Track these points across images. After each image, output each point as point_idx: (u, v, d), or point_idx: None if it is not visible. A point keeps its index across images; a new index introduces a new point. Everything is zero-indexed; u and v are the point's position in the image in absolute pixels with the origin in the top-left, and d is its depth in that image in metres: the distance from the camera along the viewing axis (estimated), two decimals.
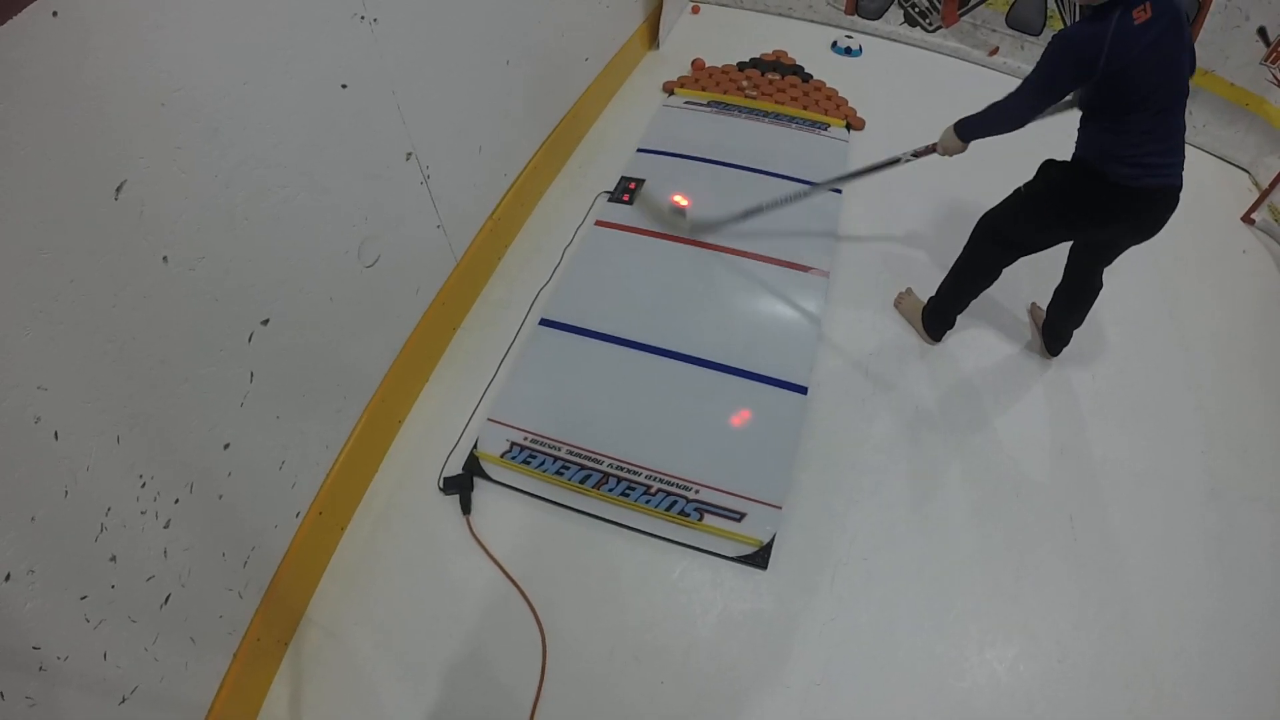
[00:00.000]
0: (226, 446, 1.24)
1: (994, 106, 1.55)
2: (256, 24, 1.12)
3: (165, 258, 1.05)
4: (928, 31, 3.01)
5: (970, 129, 1.61)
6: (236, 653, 1.32)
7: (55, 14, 0.83)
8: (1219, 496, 1.71)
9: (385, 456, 1.71)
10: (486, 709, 1.36)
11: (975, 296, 1.86)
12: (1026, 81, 1.46)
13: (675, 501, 1.58)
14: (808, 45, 3.01)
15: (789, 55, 2.93)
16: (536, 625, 1.44)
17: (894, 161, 1.80)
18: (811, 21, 3.17)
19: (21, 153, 0.82)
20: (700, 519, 1.56)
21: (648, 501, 1.58)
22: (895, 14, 3.02)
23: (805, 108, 2.67)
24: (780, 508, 1.58)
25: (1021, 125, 1.52)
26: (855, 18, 3.09)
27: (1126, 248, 1.65)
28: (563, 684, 1.38)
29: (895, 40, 3.08)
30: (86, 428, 0.96)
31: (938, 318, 1.93)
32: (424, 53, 1.57)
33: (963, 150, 1.65)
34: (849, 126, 2.64)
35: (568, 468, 1.63)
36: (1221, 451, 1.79)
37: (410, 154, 1.59)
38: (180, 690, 1.20)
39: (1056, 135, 1.63)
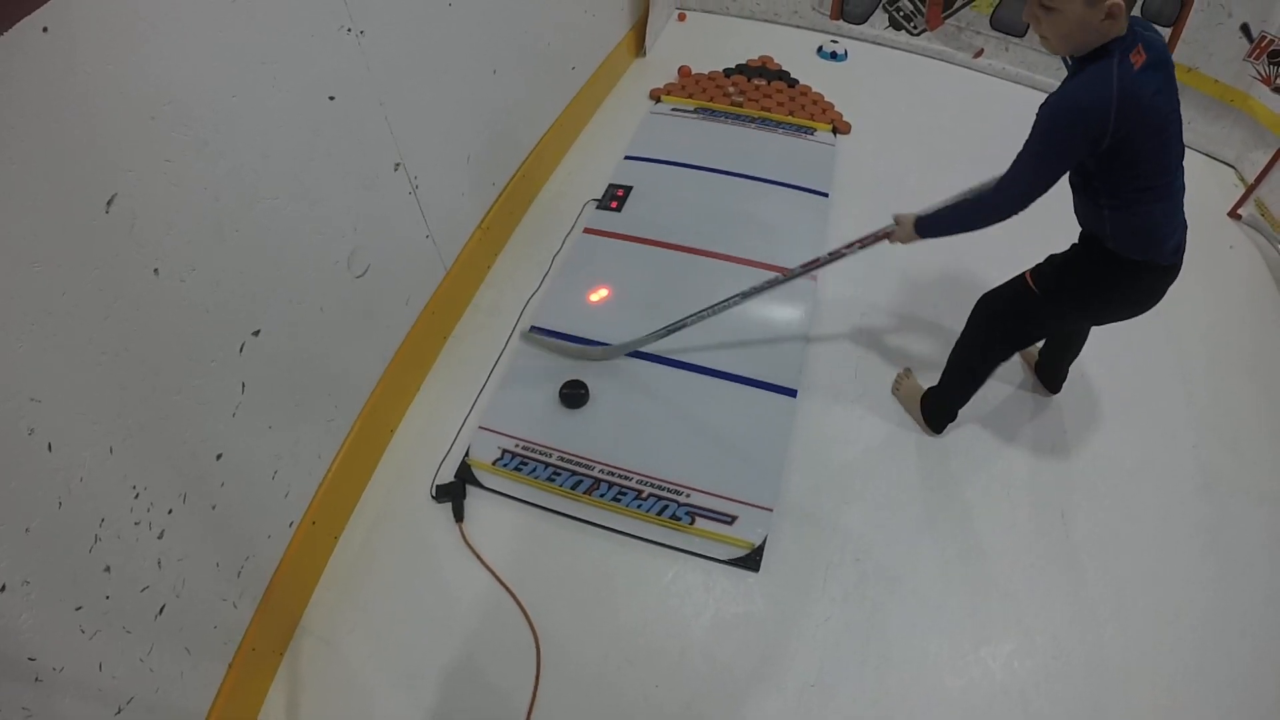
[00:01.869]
0: (219, 457, 1.25)
1: (976, 201, 1.34)
2: (244, 38, 1.13)
3: (156, 270, 1.06)
4: (912, 35, 3.04)
5: (933, 228, 1.43)
6: (232, 662, 1.32)
7: (45, 29, 0.84)
8: (1211, 489, 1.72)
9: (378, 465, 1.72)
10: (482, 714, 1.37)
11: (979, 388, 1.68)
12: (1020, 163, 1.22)
13: (666, 506, 1.59)
14: (793, 50, 3.04)
15: (775, 61, 2.96)
16: (530, 630, 1.45)
17: (837, 256, 1.63)
18: (797, 27, 3.21)
19: (12, 167, 0.83)
20: (692, 522, 1.57)
21: (639, 506, 1.59)
22: (880, 18, 3.06)
23: (791, 113, 2.70)
24: (771, 510, 1.59)
25: (1006, 219, 1.29)
26: (840, 22, 3.13)
27: None
28: (557, 688, 1.39)
29: (880, 44, 3.12)
30: (79, 439, 0.97)
31: (940, 412, 1.75)
32: (411, 64, 1.59)
33: (914, 241, 1.50)
34: (835, 130, 2.66)
35: (559, 474, 1.64)
36: (1212, 445, 1.81)
37: (399, 164, 1.60)
38: (176, 700, 1.20)
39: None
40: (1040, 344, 1.87)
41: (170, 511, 1.15)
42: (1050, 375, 1.85)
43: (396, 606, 1.50)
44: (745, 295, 1.72)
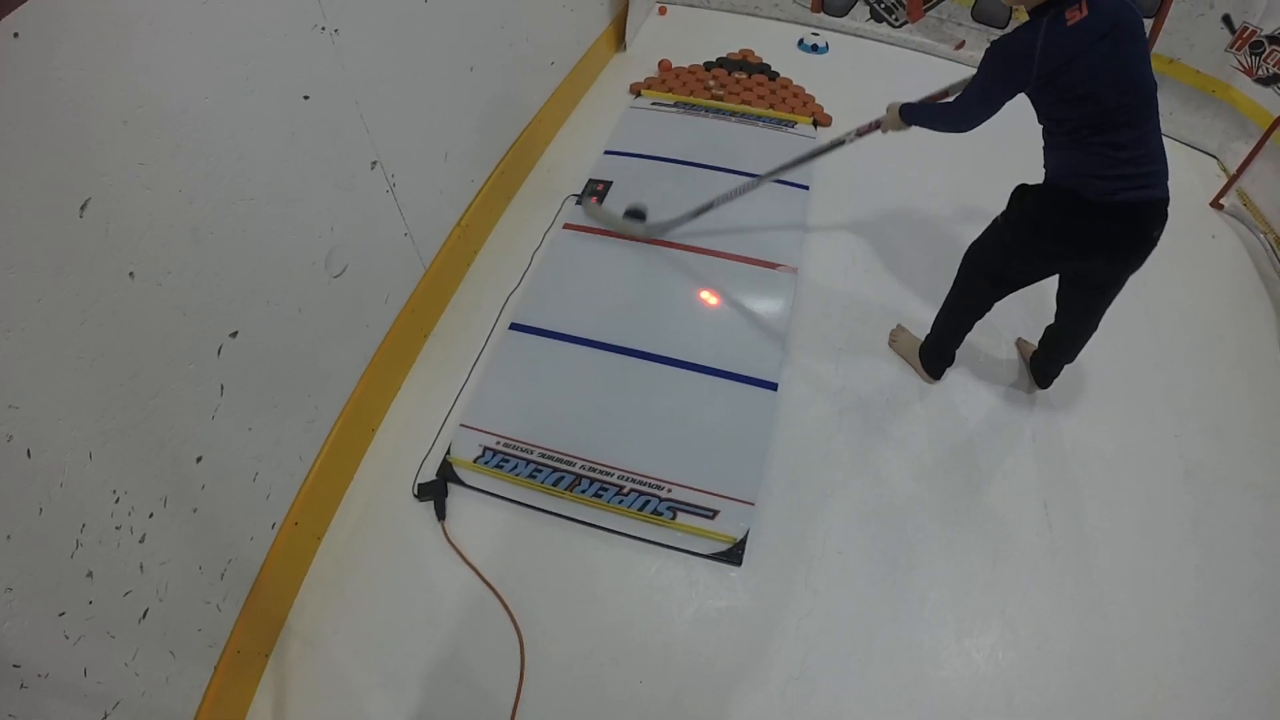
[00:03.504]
0: (199, 460, 1.24)
1: (940, 105, 1.58)
2: (216, 39, 1.12)
3: (132, 273, 1.05)
4: (894, 27, 3.06)
5: (914, 116, 1.65)
6: (217, 665, 1.32)
7: (16, 35, 0.83)
8: (1194, 478, 1.74)
9: (360, 465, 1.72)
10: (467, 713, 1.38)
11: (970, 329, 1.82)
12: (968, 89, 1.47)
13: (648, 501, 1.60)
14: (774, 43, 3.04)
15: (755, 54, 2.97)
16: (514, 628, 1.46)
17: (839, 143, 1.83)
18: (778, 20, 3.21)
19: None
20: (674, 518, 1.58)
21: (621, 502, 1.60)
22: (861, 10, 3.07)
23: (772, 106, 2.71)
24: (753, 504, 1.61)
25: (963, 131, 1.52)
26: (822, 15, 3.13)
27: (1121, 282, 1.57)
28: (542, 686, 1.40)
29: (861, 36, 3.13)
30: (59, 444, 0.97)
31: (936, 355, 1.89)
32: (386, 62, 1.58)
33: (903, 130, 1.69)
34: (816, 123, 2.68)
35: (540, 470, 1.65)
36: (1195, 434, 1.83)
37: (375, 163, 1.60)
38: (162, 704, 1.21)
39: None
40: (1038, 342, 1.89)
41: (151, 515, 1.15)
42: (1042, 370, 1.89)
43: (381, 606, 1.50)
44: (761, 178, 1.92)
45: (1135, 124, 1.35)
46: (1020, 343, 2.01)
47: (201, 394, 1.23)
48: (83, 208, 0.96)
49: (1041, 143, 1.47)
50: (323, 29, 1.35)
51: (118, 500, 1.08)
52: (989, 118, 1.45)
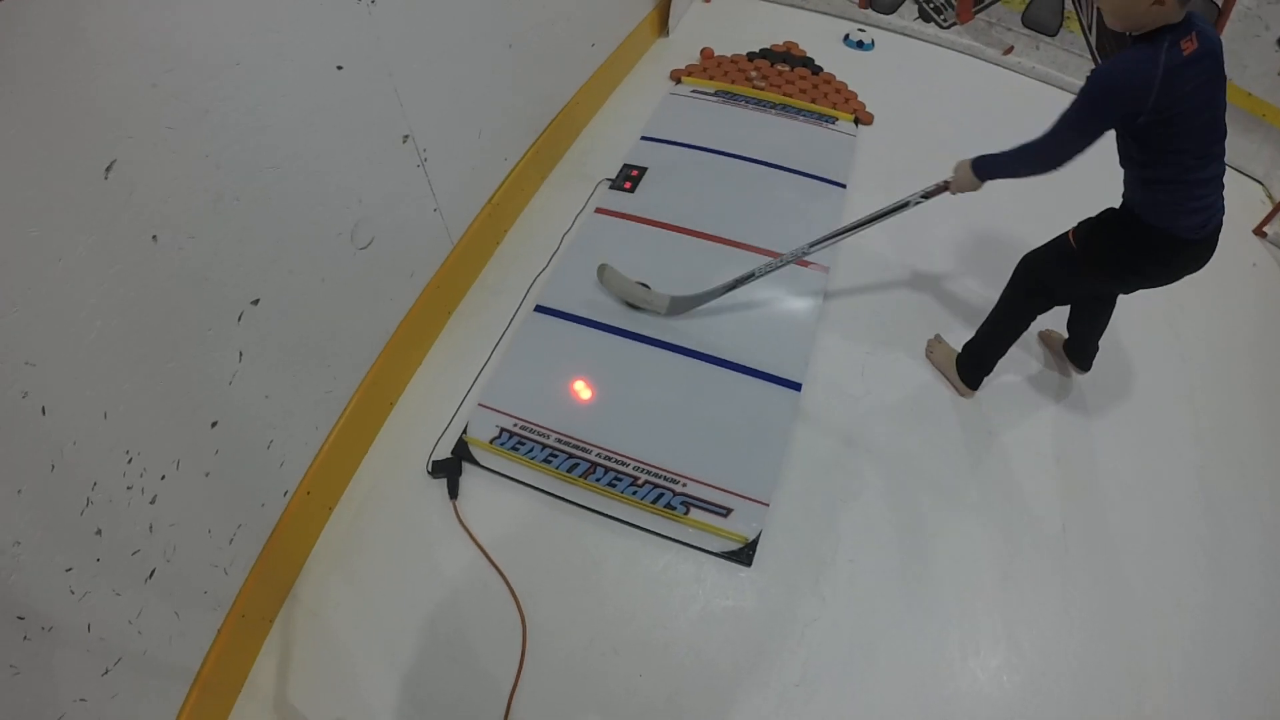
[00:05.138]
0: (214, 425, 1.24)
1: (1023, 147, 1.41)
2: (249, 5, 1.11)
3: (154, 237, 1.05)
4: (942, 28, 2.97)
5: (990, 169, 1.49)
6: (221, 628, 1.33)
7: None
8: (1213, 510, 1.69)
9: (376, 438, 1.72)
10: (464, 694, 1.38)
11: (1014, 342, 1.76)
12: (1063, 120, 1.32)
13: (662, 494, 1.58)
14: (819, 37, 2.97)
15: (799, 47, 2.90)
16: (518, 612, 1.45)
17: (901, 206, 1.67)
18: (825, 14, 3.14)
19: (12, 133, 0.82)
20: (686, 513, 1.56)
21: (634, 493, 1.58)
22: (910, 9, 2.98)
23: (814, 100, 2.65)
24: (768, 505, 1.58)
25: (1053, 169, 1.38)
26: (869, 11, 3.05)
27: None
28: (541, 672, 1.39)
29: (908, 35, 3.04)
30: (74, 403, 0.97)
31: (976, 366, 1.81)
32: (423, 35, 1.56)
33: (977, 189, 1.54)
34: (857, 121, 2.61)
35: (555, 455, 1.63)
36: (1218, 465, 1.78)
37: (407, 136, 1.58)
38: (164, 663, 1.21)
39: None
40: (1066, 328, 1.88)
41: (163, 477, 1.15)
42: (1080, 353, 1.86)
43: (387, 580, 1.51)
44: (801, 251, 1.77)
45: (1219, 155, 1.34)
46: (1045, 335, 1.97)
47: (220, 359, 1.23)
48: (107, 170, 0.95)
49: (1114, 160, 1.39)
50: (358, 0, 1.32)
51: (130, 461, 1.08)
52: (1076, 155, 1.33)
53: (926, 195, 1.63)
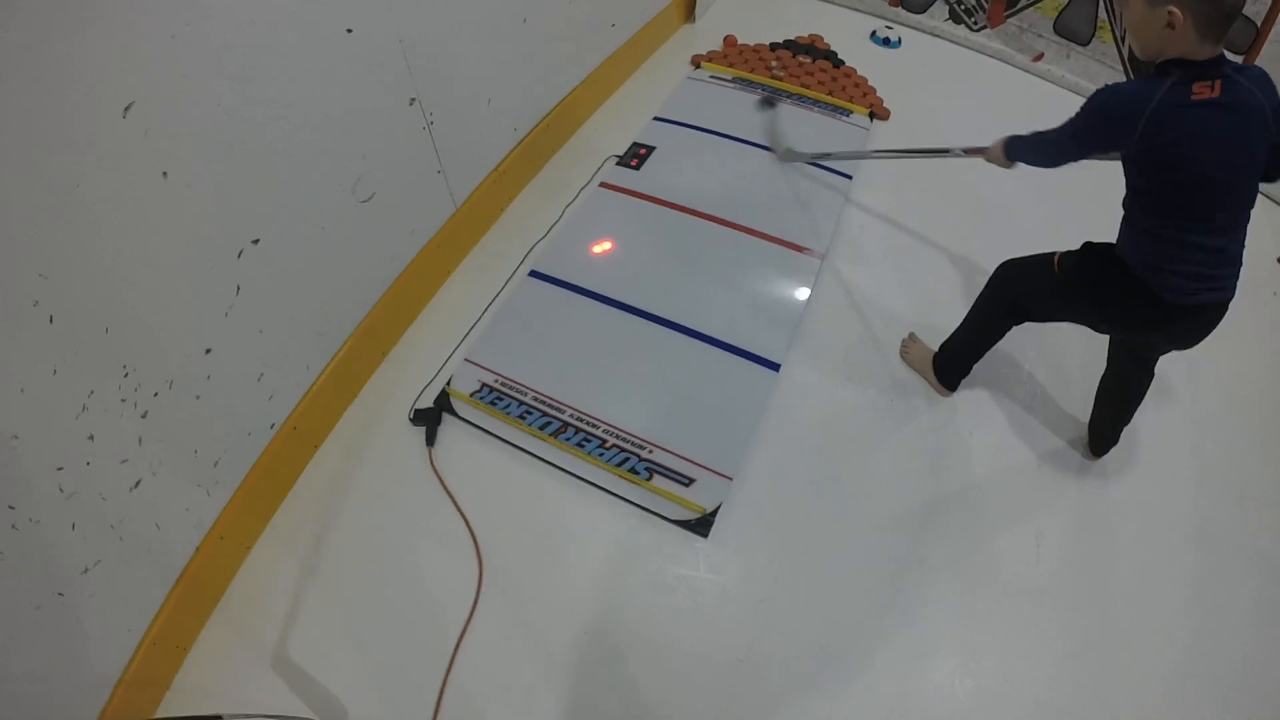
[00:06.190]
0: (208, 351, 1.32)
1: (1039, 136, 1.41)
2: None
3: (165, 173, 1.13)
4: (972, 30, 2.93)
5: (1017, 151, 1.49)
6: (200, 545, 1.41)
7: None
8: (1204, 542, 1.62)
9: (366, 384, 1.79)
10: (415, 636, 1.42)
11: (991, 348, 1.73)
12: (1065, 125, 1.31)
13: (627, 458, 1.62)
14: (846, 32, 2.96)
15: (824, 40, 2.90)
16: (477, 562, 1.50)
17: (943, 151, 1.76)
18: (854, 9, 3.12)
19: (40, 70, 0.91)
20: (649, 478, 1.60)
21: (601, 455, 1.63)
22: (940, 9, 2.96)
23: (831, 92, 2.65)
24: (731, 479, 1.61)
25: (1054, 166, 1.39)
26: (899, 9, 3.03)
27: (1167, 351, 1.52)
28: (491, 622, 1.43)
29: (937, 36, 3.01)
30: (78, 315, 1.06)
31: (952, 366, 1.80)
32: (436, 5, 1.60)
33: (1007, 168, 1.56)
34: (873, 115, 2.60)
35: (530, 413, 1.68)
36: (1216, 494, 1.71)
37: (414, 100, 1.64)
38: (142, 571, 1.30)
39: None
40: (1094, 400, 1.74)
41: (156, 395, 1.23)
42: (1099, 436, 1.72)
43: (360, 520, 1.57)
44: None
45: (1229, 225, 1.23)
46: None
47: (217, 291, 1.31)
48: (126, 110, 1.03)
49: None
50: None
51: (126, 375, 1.17)
52: (1079, 159, 1.33)
53: (967, 152, 1.67)
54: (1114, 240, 1.37)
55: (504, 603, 1.46)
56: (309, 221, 1.47)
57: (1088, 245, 1.44)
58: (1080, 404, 1.80)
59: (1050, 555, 1.58)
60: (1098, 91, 1.21)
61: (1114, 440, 1.72)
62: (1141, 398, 1.65)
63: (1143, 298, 1.30)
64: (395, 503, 1.60)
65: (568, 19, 2.19)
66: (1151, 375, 1.63)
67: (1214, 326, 1.35)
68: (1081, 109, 1.24)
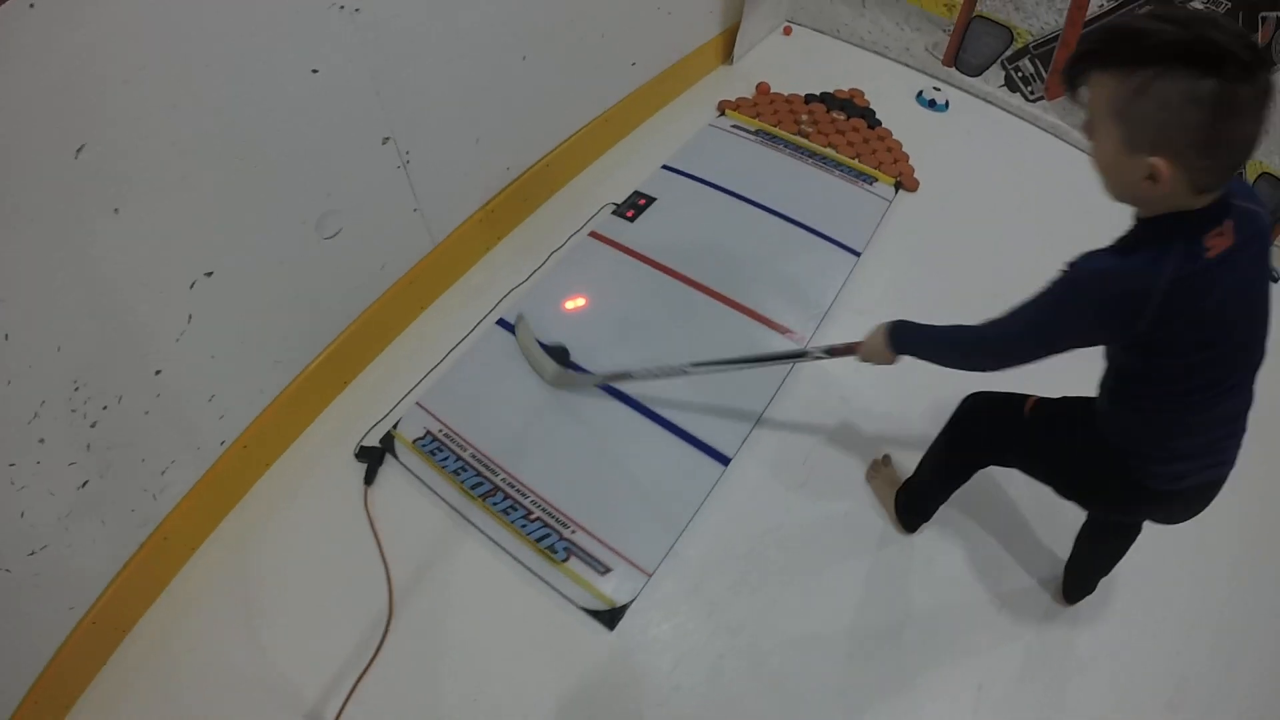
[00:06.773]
0: (158, 373, 1.40)
1: (955, 333, 1.14)
2: (219, 10, 1.21)
3: (117, 210, 1.20)
4: (1027, 100, 2.75)
5: (908, 343, 1.24)
6: (144, 543, 1.50)
7: (31, 5, 0.97)
8: (1177, 710, 1.45)
9: (325, 410, 1.82)
10: (316, 671, 1.44)
11: (955, 489, 1.53)
12: (1018, 317, 1.00)
13: (548, 534, 1.59)
14: (891, 89, 2.83)
15: (864, 96, 2.78)
16: (389, 610, 1.50)
17: (800, 355, 1.56)
18: (904, 65, 2.96)
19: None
20: (566, 559, 1.56)
21: (523, 526, 1.60)
22: (996, 74, 2.78)
23: (858, 155, 2.54)
24: (650, 575, 1.54)
25: (988, 371, 1.12)
26: (952, 70, 2.87)
27: None
28: (389, 672, 1.43)
29: (990, 102, 2.84)
30: (33, 334, 1.14)
31: (912, 509, 1.62)
32: (415, 43, 1.58)
33: (890, 363, 1.31)
34: (899, 186, 2.48)
35: (465, 471, 1.68)
36: (1199, 656, 1.53)
37: (388, 138, 1.64)
38: (86, 560, 1.39)
39: None
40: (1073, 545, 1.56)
41: (105, 408, 1.32)
42: (1075, 583, 1.55)
43: (292, 543, 1.62)
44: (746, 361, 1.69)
45: (1241, 385, 0.99)
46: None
47: (168, 318, 1.39)
48: (79, 151, 1.10)
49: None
50: (341, 8, 1.38)
51: (77, 389, 1.26)
52: (1021, 365, 1.04)
53: (830, 353, 1.47)
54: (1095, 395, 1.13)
55: (404, 656, 1.45)
56: (267, 256, 1.52)
57: (1066, 400, 1.21)
58: (1064, 538, 1.58)
59: (988, 712, 1.43)
60: (1071, 272, 0.91)
61: (1089, 590, 1.54)
62: (1123, 553, 1.46)
63: (1122, 481, 1.09)
64: (323, 535, 1.63)
65: (576, 58, 2.14)
66: (1138, 531, 1.43)
67: (1209, 503, 1.13)
68: (1047, 297, 0.94)
